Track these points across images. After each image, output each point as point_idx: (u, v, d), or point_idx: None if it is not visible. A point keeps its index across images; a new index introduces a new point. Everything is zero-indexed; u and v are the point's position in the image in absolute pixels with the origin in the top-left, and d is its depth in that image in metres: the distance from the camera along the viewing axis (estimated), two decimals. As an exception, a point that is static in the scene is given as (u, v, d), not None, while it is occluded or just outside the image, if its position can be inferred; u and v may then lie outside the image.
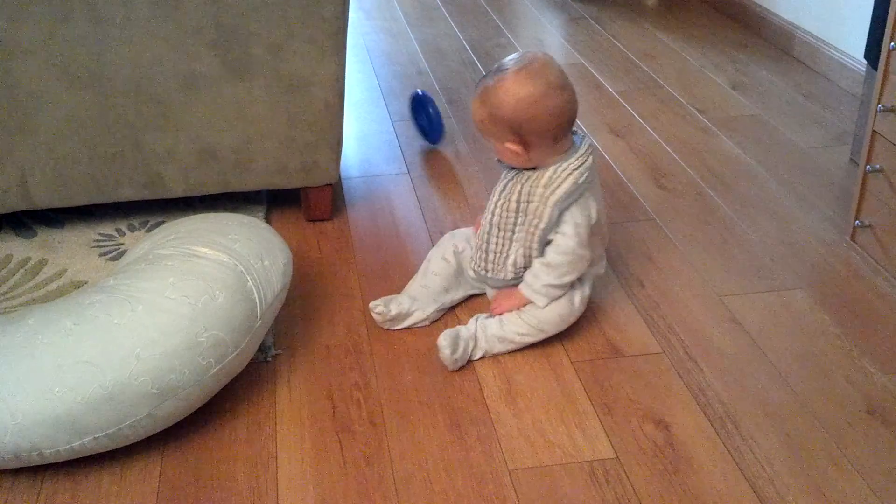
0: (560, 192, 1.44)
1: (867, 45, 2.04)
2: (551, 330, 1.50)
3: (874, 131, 1.68)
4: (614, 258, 1.78)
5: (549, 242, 1.48)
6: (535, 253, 1.49)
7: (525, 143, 1.45)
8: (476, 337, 1.49)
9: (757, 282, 1.70)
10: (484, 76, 1.49)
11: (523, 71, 1.44)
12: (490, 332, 1.49)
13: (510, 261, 1.52)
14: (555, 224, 1.46)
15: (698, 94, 2.56)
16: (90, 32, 1.62)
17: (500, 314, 1.51)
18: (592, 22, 3.20)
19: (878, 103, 1.66)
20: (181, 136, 1.74)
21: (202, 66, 1.69)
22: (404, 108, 2.47)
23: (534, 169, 1.49)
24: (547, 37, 3.08)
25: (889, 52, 1.62)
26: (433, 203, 1.98)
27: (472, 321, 1.52)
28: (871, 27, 2.01)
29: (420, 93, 2.26)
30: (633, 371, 1.47)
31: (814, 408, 1.38)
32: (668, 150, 2.22)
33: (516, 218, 1.50)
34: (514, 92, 1.43)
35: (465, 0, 3.47)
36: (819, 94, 2.54)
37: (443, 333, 1.46)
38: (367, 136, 2.32)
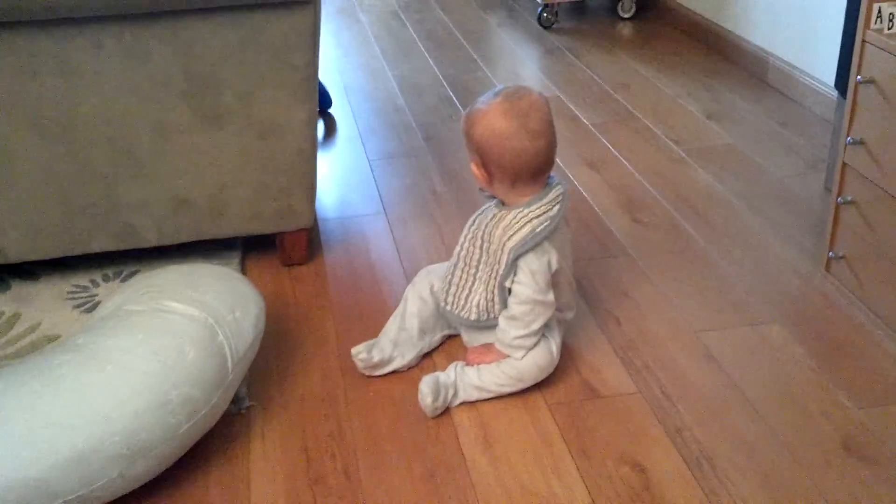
0: (516, 238, 1.44)
1: (837, 74, 2.05)
2: (530, 380, 1.50)
3: (844, 163, 1.69)
4: (590, 295, 1.78)
5: (510, 292, 1.47)
6: (497, 304, 1.48)
7: (488, 171, 1.46)
8: (456, 385, 1.49)
9: (733, 316, 1.70)
10: (488, 93, 1.48)
11: (507, 104, 1.44)
12: (468, 381, 1.49)
13: (474, 301, 1.51)
14: (510, 270, 1.45)
15: (673, 124, 2.57)
16: (60, 86, 1.62)
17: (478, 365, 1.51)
18: (568, 53, 3.21)
19: (848, 136, 1.67)
20: (154, 185, 1.74)
21: (173, 116, 1.69)
22: (382, 146, 2.47)
23: (504, 205, 1.50)
24: (523, 69, 3.10)
25: (856, 84, 1.63)
26: (409, 243, 1.98)
27: (451, 368, 1.51)
28: (840, 56, 2.03)
29: None
30: (610, 412, 1.47)
31: (790, 446, 1.38)
32: (643, 183, 2.22)
33: (480, 255, 1.50)
34: (488, 120, 1.43)
35: (442, 35, 3.49)
36: (793, 121, 2.56)
37: (424, 380, 1.46)
38: (344, 176, 2.33)
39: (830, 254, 1.76)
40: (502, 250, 1.46)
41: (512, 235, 1.45)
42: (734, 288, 1.78)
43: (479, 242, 1.51)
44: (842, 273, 1.75)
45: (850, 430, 1.41)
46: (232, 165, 1.75)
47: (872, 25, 1.60)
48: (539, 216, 1.45)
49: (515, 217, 1.45)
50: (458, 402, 1.49)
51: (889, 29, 1.57)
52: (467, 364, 1.52)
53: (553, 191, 1.48)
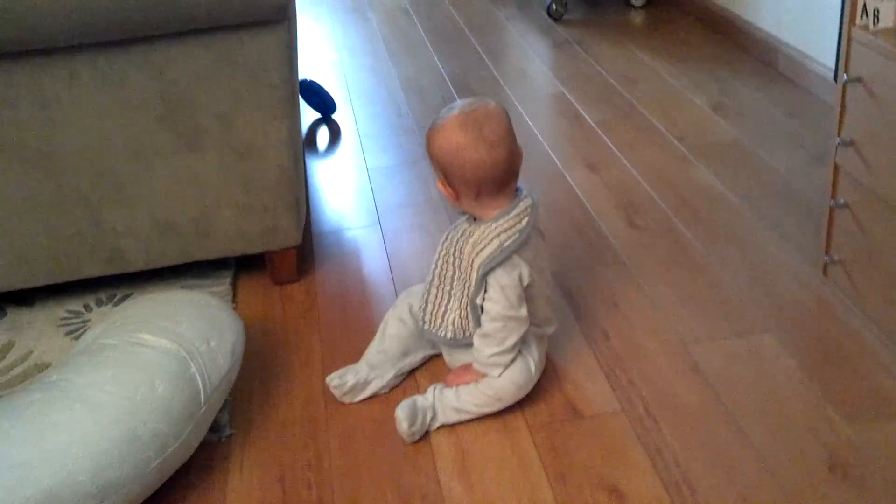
0: (484, 253, 1.42)
1: (835, 69, 1.99)
2: (509, 399, 1.47)
3: (836, 164, 1.64)
4: (580, 305, 1.75)
5: (482, 309, 1.45)
6: (471, 321, 1.46)
7: (453, 187, 1.44)
8: (434, 407, 1.47)
9: (725, 326, 1.66)
10: (446, 108, 1.47)
11: (461, 116, 1.42)
12: (447, 402, 1.47)
13: (449, 319, 1.49)
14: (481, 287, 1.43)
15: (678, 119, 2.52)
16: (38, 115, 1.63)
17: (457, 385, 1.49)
18: (576, 46, 3.16)
19: (838, 137, 1.61)
20: (138, 210, 1.74)
21: (152, 140, 1.69)
22: (381, 153, 2.46)
23: (475, 220, 1.47)
24: (529, 65, 3.05)
25: (844, 85, 1.58)
26: (402, 257, 1.97)
27: (429, 390, 1.49)
28: (836, 50, 1.96)
29: (307, 80, 2.66)
30: (591, 433, 1.44)
31: (773, 467, 1.34)
32: (642, 184, 2.18)
33: (454, 272, 1.48)
34: (445, 135, 1.42)
35: (450, 31, 3.45)
36: (802, 111, 2.49)
37: (400, 405, 1.44)
38: (342, 187, 2.31)
39: (826, 258, 1.71)
40: (472, 267, 1.43)
41: (480, 251, 1.42)
42: (728, 295, 1.74)
43: (451, 259, 1.49)
44: (838, 277, 1.70)
45: (837, 447, 1.37)
46: (214, 187, 1.75)
47: (858, 21, 1.54)
48: (507, 230, 1.42)
49: (483, 232, 1.43)
50: (436, 425, 1.47)
51: (875, 25, 1.51)
52: (447, 386, 1.50)
53: (521, 203, 1.45)
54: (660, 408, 1.48)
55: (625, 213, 2.07)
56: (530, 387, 1.49)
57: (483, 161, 1.39)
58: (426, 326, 1.54)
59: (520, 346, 1.47)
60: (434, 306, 1.52)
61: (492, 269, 1.42)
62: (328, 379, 1.53)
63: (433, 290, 1.52)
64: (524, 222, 1.43)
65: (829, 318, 1.66)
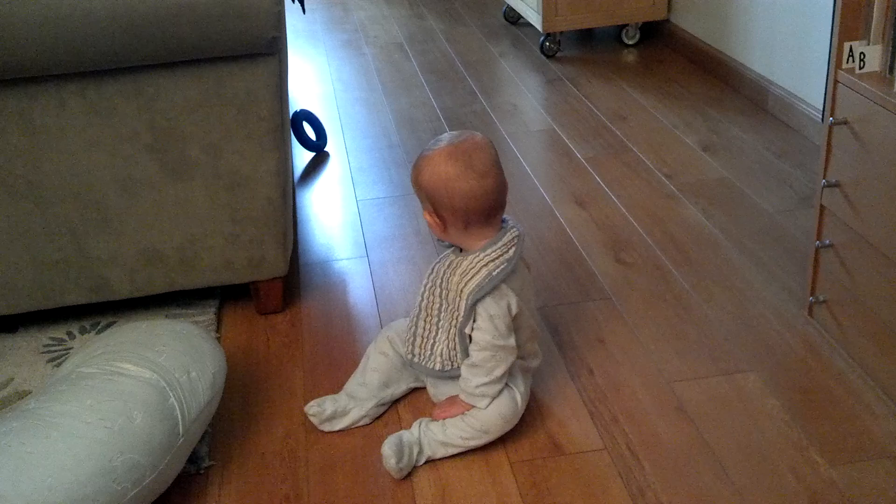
0: (472, 283, 1.42)
1: (823, 111, 2.00)
2: (496, 432, 1.47)
3: (822, 206, 1.65)
4: (565, 342, 1.74)
5: (471, 339, 1.45)
6: (459, 352, 1.46)
7: (441, 217, 1.44)
8: (420, 442, 1.46)
9: (709, 364, 1.65)
10: (432, 141, 1.48)
11: (450, 148, 1.43)
12: (433, 436, 1.46)
13: (437, 350, 1.49)
14: (470, 316, 1.43)
15: (667, 157, 2.53)
16: (25, 143, 1.63)
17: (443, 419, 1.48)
18: (568, 83, 3.18)
19: (823, 178, 1.62)
20: (124, 239, 1.74)
21: (140, 170, 1.69)
22: (371, 186, 2.46)
23: (461, 252, 1.47)
24: (522, 101, 3.07)
25: (830, 126, 1.59)
26: (388, 289, 1.96)
27: (415, 425, 1.48)
28: (825, 91, 1.98)
29: (298, 111, 2.66)
30: (573, 471, 1.43)
31: (755, 507, 1.33)
32: (630, 221, 2.19)
33: (441, 303, 1.48)
34: (434, 166, 1.43)
35: (443, 66, 3.47)
36: (791, 152, 2.50)
37: (387, 441, 1.43)
38: (331, 218, 2.31)
39: (812, 298, 1.71)
40: (460, 296, 1.43)
41: (468, 281, 1.42)
42: (713, 334, 1.74)
43: (438, 290, 1.48)
44: (824, 318, 1.69)
45: (819, 490, 1.36)
46: (201, 217, 1.74)
47: (844, 64, 1.55)
48: (495, 259, 1.42)
49: (471, 262, 1.43)
50: (423, 460, 1.46)
51: (860, 69, 1.53)
52: (433, 419, 1.49)
53: (508, 234, 1.45)
54: (643, 446, 1.47)
55: (612, 249, 2.07)
56: (516, 420, 1.48)
57: (473, 191, 1.40)
58: (415, 359, 1.53)
59: (506, 379, 1.47)
60: (422, 339, 1.51)
61: (481, 299, 1.42)
62: (307, 407, 1.53)
63: (420, 323, 1.52)
64: (512, 251, 1.44)
65: (814, 358, 1.65)
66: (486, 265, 1.43)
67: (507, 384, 1.47)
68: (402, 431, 1.47)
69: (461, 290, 1.43)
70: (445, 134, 1.47)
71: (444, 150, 1.43)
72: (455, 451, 1.47)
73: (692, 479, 1.39)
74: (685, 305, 1.84)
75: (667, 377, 1.63)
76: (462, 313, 1.44)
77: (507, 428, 1.48)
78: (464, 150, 1.42)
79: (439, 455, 1.47)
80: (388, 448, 1.42)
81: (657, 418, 1.53)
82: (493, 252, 1.43)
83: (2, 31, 1.48)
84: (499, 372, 1.44)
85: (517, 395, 1.48)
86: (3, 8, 1.47)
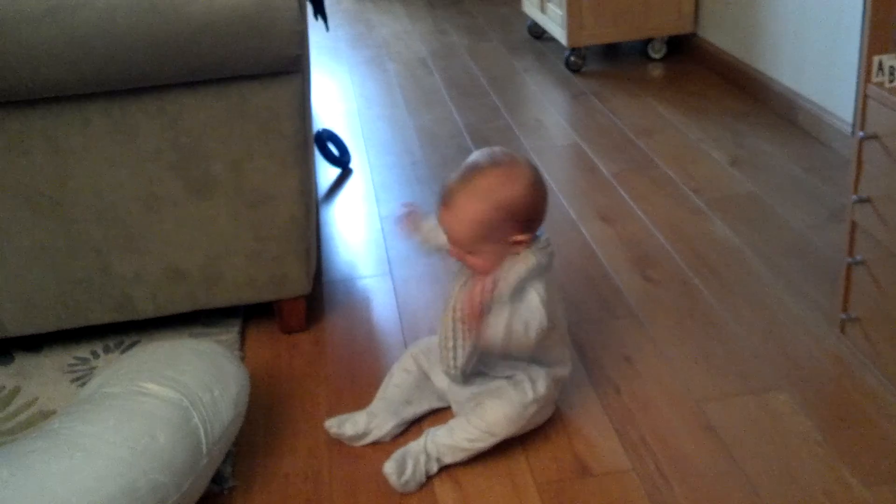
0: (514, 271, 1.40)
1: (853, 125, 1.97)
2: (501, 433, 1.45)
3: (853, 222, 1.62)
4: (591, 360, 1.72)
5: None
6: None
7: (530, 231, 1.43)
8: (427, 450, 1.44)
9: (738, 383, 1.63)
10: (458, 178, 1.42)
11: (503, 165, 1.42)
12: (440, 441, 1.45)
13: (463, 353, 1.47)
14: (517, 294, 1.40)
15: (694, 172, 2.50)
16: (50, 162, 1.63)
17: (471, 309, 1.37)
18: (593, 98, 3.17)
19: (854, 194, 1.59)
20: (147, 257, 1.74)
21: (163, 188, 1.69)
22: (395, 202, 2.45)
23: None
24: (546, 117, 3.06)
25: (860, 141, 1.56)
26: (412, 307, 1.95)
27: (423, 435, 1.47)
28: (854, 104, 1.95)
29: (321, 130, 2.65)
30: (600, 492, 1.40)
31: (787, 530, 1.30)
32: (657, 237, 2.16)
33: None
34: (514, 180, 1.41)
35: (467, 81, 3.47)
36: (820, 166, 2.47)
37: (387, 461, 1.42)
38: (355, 235, 2.31)
39: (843, 315, 1.68)
40: (506, 281, 1.39)
41: (507, 275, 1.40)
42: (742, 352, 1.71)
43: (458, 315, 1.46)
44: (856, 335, 1.66)
45: (854, 512, 1.33)
46: (224, 235, 1.74)
47: (874, 79, 1.52)
48: (535, 253, 1.42)
49: (510, 262, 1.42)
50: (434, 468, 1.45)
51: (891, 83, 1.50)
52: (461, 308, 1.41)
53: (541, 239, 1.46)
54: (671, 467, 1.44)
55: (639, 266, 2.04)
56: (522, 422, 1.46)
57: (545, 192, 1.46)
58: (447, 370, 1.51)
59: (523, 380, 1.46)
60: (452, 351, 1.49)
61: (529, 281, 1.40)
62: (327, 424, 1.53)
63: (460, 335, 1.48)
64: (549, 249, 1.45)
65: (846, 376, 1.62)
66: (534, 254, 1.42)
67: (518, 382, 1.46)
68: (409, 444, 1.45)
69: (507, 277, 1.40)
70: (478, 161, 1.43)
71: (501, 168, 1.41)
72: (463, 455, 1.45)
73: (722, 501, 1.36)
74: (713, 323, 1.81)
75: (695, 396, 1.60)
76: (505, 293, 1.39)
77: (513, 430, 1.46)
78: (513, 162, 1.44)
79: (447, 460, 1.45)
80: (388, 467, 1.42)
81: (686, 438, 1.50)
82: (532, 253, 1.42)
83: (27, 51, 1.49)
84: (533, 332, 1.38)
85: (528, 395, 1.46)
86: (27, 29, 1.48)
